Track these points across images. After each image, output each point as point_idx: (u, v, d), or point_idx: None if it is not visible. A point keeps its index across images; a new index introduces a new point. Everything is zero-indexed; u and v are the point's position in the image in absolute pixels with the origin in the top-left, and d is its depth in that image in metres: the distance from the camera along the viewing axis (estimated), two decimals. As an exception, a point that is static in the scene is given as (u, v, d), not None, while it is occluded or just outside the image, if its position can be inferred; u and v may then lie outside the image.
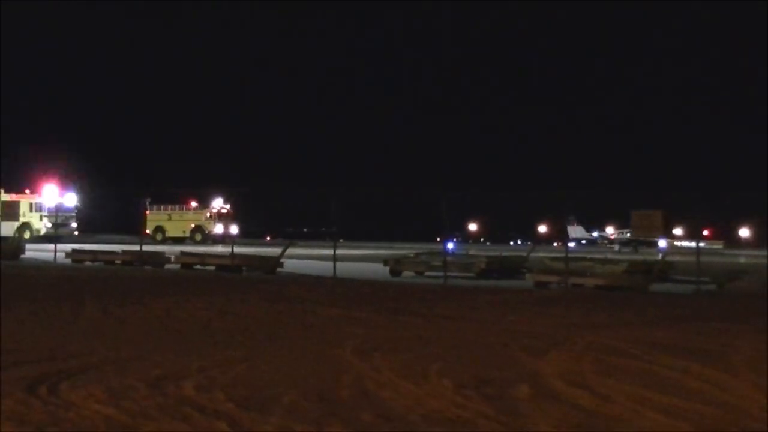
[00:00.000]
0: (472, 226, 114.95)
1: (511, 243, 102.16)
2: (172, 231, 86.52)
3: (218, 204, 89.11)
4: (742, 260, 62.04)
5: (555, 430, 10.61)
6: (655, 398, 12.56)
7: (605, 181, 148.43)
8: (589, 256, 47.24)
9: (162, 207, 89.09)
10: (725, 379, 14.24)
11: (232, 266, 43.75)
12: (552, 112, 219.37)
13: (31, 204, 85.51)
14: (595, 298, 30.38)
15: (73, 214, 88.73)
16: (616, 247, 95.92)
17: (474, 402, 12.19)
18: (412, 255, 46.31)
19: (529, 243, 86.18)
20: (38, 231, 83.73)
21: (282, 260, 43.65)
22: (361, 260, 52.01)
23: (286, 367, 14.82)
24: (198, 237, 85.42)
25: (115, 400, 11.87)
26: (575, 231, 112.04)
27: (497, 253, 53.15)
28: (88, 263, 48.44)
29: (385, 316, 23.21)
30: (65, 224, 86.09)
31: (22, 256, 52.56)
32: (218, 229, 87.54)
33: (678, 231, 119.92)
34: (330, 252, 42.60)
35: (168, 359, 15.32)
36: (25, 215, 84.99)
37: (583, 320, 22.80)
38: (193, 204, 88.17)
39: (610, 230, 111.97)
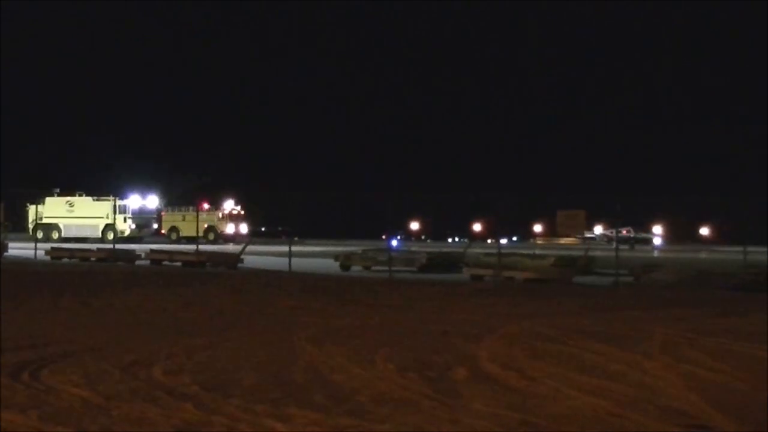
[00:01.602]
0: (414, 225, 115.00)
1: (449, 240, 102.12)
2: (186, 231, 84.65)
3: (229, 206, 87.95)
4: (656, 254, 62.44)
5: (489, 409, 10.63)
6: (578, 379, 12.63)
7: (533, 183, 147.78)
8: (519, 252, 47.38)
9: (176, 208, 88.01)
10: (641, 361, 14.33)
11: (197, 262, 43.54)
12: (486, 116, 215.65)
13: (115, 206, 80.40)
14: (525, 289, 30.50)
15: (154, 215, 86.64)
16: (614, 244, 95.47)
17: (416, 384, 12.21)
18: (360, 251, 46.25)
19: (465, 240, 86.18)
20: (122, 232, 79.72)
21: (242, 256, 43.47)
22: (314, 256, 51.90)
23: (247, 353, 14.79)
24: (211, 236, 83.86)
25: (91, 383, 11.83)
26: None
27: (437, 250, 53.13)
28: (65, 260, 48.03)
29: (336, 307, 23.20)
30: (147, 225, 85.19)
31: (5, 254, 52.04)
32: (230, 229, 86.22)
33: (599, 229, 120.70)
34: (286, 249, 42.56)
35: (139, 346, 15.26)
36: (109, 217, 79.90)
37: (514, 309, 22.88)
38: (206, 206, 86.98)
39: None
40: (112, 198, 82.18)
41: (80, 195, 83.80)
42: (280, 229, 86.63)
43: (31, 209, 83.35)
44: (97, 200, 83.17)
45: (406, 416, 10.22)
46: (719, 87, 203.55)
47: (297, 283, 31.63)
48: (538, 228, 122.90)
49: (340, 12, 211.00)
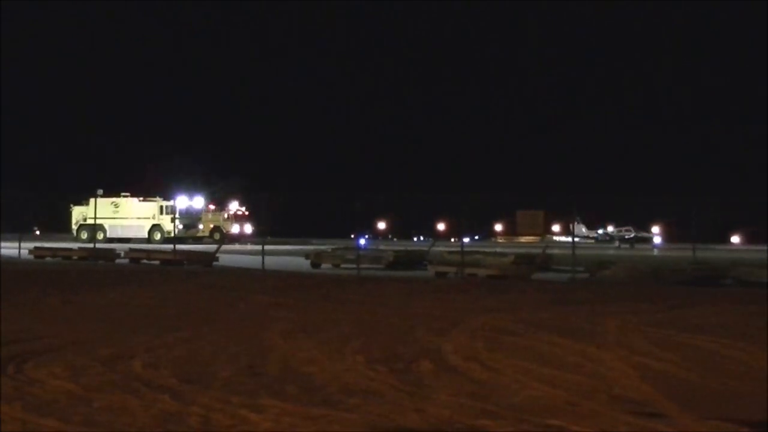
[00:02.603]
0: (381, 225, 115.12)
1: (414, 239, 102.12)
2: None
3: (235, 206, 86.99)
4: (611, 252, 62.71)
5: (452, 399, 10.67)
6: (537, 370, 12.68)
7: (494, 184, 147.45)
8: (481, 250, 47.48)
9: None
10: (596, 353, 14.40)
11: (174, 260, 43.40)
12: (486, 116, 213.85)
13: (162, 207, 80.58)
14: (487, 285, 30.55)
15: (201, 216, 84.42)
16: (617, 243, 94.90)
17: (384, 375, 12.24)
18: (329, 250, 46.24)
19: (429, 239, 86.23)
20: (169, 233, 77.65)
21: (218, 255, 43.38)
22: (285, 255, 51.82)
23: (222, 347, 14.77)
24: (216, 236, 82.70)
25: (74, 376, 11.80)
26: (579, 229, 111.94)
27: (403, 248, 53.16)
28: (48, 259, 47.76)
29: (307, 303, 23.18)
30: (194, 226, 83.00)
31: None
32: (235, 229, 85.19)
33: (556, 227, 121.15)
34: (259, 248, 42.48)
35: (119, 341, 15.22)
36: (156, 217, 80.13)
37: (476, 304, 22.92)
38: (212, 206, 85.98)
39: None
40: (158, 199, 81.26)
41: (125, 196, 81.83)
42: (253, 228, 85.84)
43: (75, 210, 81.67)
44: (144, 201, 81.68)
45: (374, 406, 10.24)
46: (719, 87, 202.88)
47: (270, 281, 31.59)
48: (498, 227, 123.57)
49: (340, 12, 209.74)
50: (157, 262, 43.82)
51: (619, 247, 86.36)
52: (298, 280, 32.09)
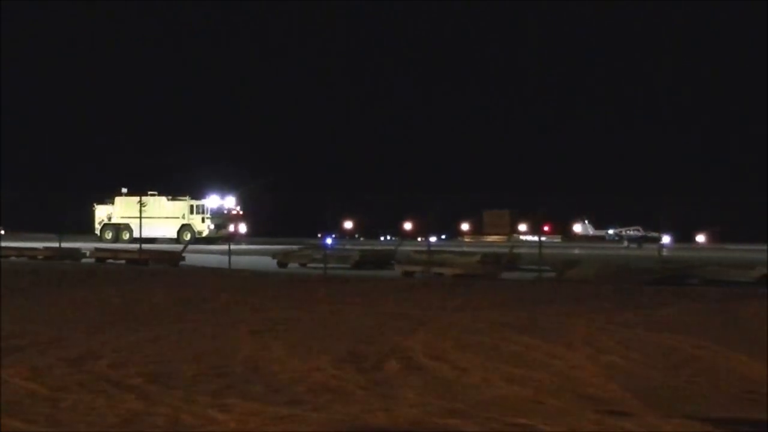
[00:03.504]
0: (348, 224, 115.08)
1: (381, 239, 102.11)
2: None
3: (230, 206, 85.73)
4: (577, 251, 62.92)
5: (420, 398, 10.69)
6: (504, 369, 12.72)
7: (460, 183, 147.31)
8: (447, 249, 47.55)
9: None
10: (563, 352, 14.46)
11: (140, 260, 43.22)
12: (486, 116, 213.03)
13: (192, 206, 78.45)
14: (454, 285, 30.58)
15: (231, 215, 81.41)
16: (625, 242, 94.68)
17: (351, 374, 12.25)
18: (296, 249, 46.18)
19: (396, 238, 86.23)
20: (200, 233, 76.81)
21: (184, 254, 43.24)
22: (252, 254, 51.71)
23: (188, 346, 14.74)
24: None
25: (39, 376, 11.76)
26: (586, 228, 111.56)
27: (370, 248, 53.17)
28: (13, 258, 47.42)
29: (274, 302, 23.14)
30: (224, 226, 79.71)
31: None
32: (230, 228, 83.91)
33: (523, 227, 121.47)
34: (225, 247, 42.41)
35: (85, 341, 15.17)
36: (185, 217, 77.74)
37: (443, 304, 22.95)
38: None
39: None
40: (188, 198, 79.36)
41: (153, 195, 78.72)
42: None
43: (99, 209, 79.43)
44: (173, 200, 79.60)
45: (342, 406, 10.25)
46: (719, 87, 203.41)
47: (236, 280, 31.51)
48: (465, 226, 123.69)
49: (340, 12, 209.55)
50: (123, 262, 43.62)
51: (627, 247, 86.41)
52: (265, 280, 32.02)
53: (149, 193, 78.54)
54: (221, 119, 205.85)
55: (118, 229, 77.33)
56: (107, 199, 79.26)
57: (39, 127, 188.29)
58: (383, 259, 42.87)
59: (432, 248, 39.65)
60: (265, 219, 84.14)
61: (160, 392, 10.81)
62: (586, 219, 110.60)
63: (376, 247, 54.63)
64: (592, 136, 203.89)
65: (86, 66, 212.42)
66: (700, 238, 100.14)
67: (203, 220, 77.13)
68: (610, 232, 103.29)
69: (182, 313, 20.33)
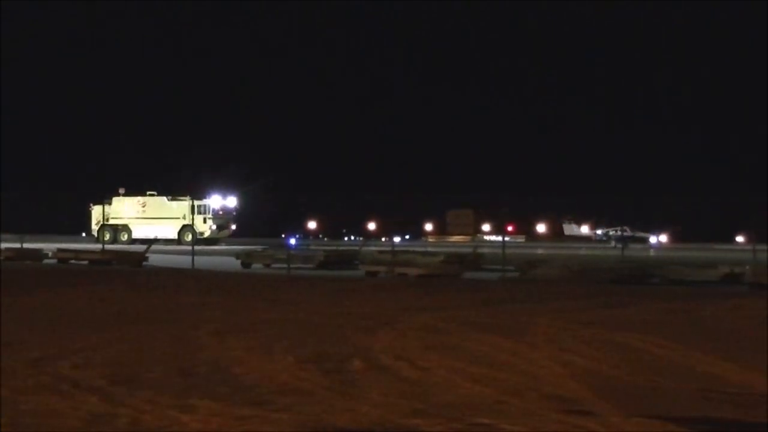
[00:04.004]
0: (312, 224, 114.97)
1: (345, 239, 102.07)
2: None
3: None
4: (540, 251, 63.13)
5: (384, 398, 10.69)
6: (467, 369, 12.75)
7: (422, 184, 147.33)
8: (411, 249, 47.62)
9: None
10: (526, 351, 14.51)
11: (103, 260, 43.02)
12: (487, 116, 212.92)
13: (194, 206, 75.98)
14: (418, 284, 30.63)
15: (234, 216, 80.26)
16: (612, 243, 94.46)
17: (315, 375, 12.24)
18: (260, 250, 46.11)
19: (360, 239, 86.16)
20: (202, 233, 74.64)
21: (147, 255, 43.07)
22: (215, 255, 51.60)
23: (152, 347, 14.69)
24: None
25: (0, 378, 11.65)
26: (571, 229, 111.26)
27: (334, 248, 53.17)
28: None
29: (237, 302, 23.09)
30: (226, 226, 79.10)
31: None
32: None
33: (486, 227, 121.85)
34: (189, 247, 42.28)
35: (47, 342, 15.06)
36: (187, 217, 75.11)
37: (407, 304, 22.97)
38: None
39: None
40: (189, 198, 77.32)
41: (152, 194, 77.65)
42: None
43: (96, 210, 76.39)
44: (173, 200, 77.53)
45: (305, 406, 10.24)
46: (719, 87, 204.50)
47: (200, 280, 31.43)
48: (429, 226, 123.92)
49: (340, 12, 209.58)
50: (85, 263, 43.41)
51: (614, 247, 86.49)
52: (229, 280, 31.96)
53: (148, 193, 77.53)
54: (220, 119, 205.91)
55: (116, 230, 75.63)
56: (104, 199, 76.60)
57: (35, 126, 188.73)
58: (347, 260, 42.90)
59: (396, 248, 39.69)
60: (252, 219, 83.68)
61: (123, 393, 10.76)
62: (569, 219, 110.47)
63: (340, 248, 54.56)
64: (588, 136, 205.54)
65: (84, 65, 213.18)
66: (663, 238, 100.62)
67: (205, 221, 75.62)
68: (598, 232, 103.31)
69: (146, 313, 20.25)
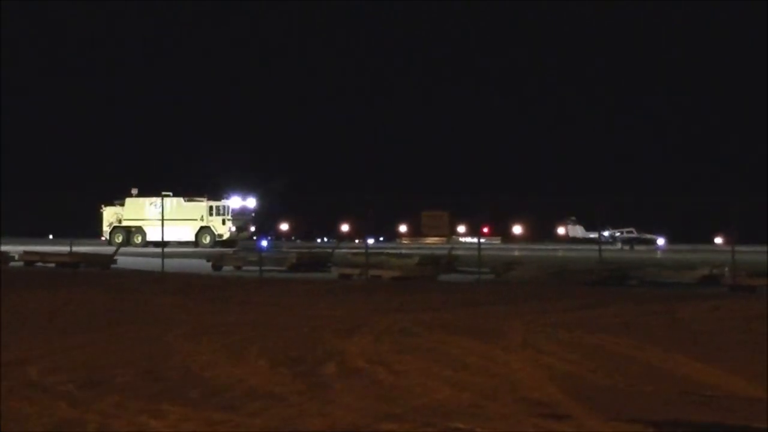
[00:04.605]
0: (284, 226, 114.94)
1: (318, 240, 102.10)
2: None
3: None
4: (516, 253, 63.27)
5: (357, 402, 10.70)
6: (442, 372, 12.77)
7: (398, 184, 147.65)
8: (385, 251, 47.61)
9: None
10: (502, 354, 14.54)
11: (71, 263, 42.80)
12: (486, 117, 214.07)
13: (211, 207, 74.55)
14: (392, 287, 30.64)
15: (252, 217, 79.44)
16: (619, 245, 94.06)
17: (287, 379, 12.23)
18: (231, 251, 46.02)
19: (333, 240, 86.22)
20: (221, 236, 73.55)
21: (116, 257, 42.89)
22: (186, 257, 51.45)
23: (122, 351, 14.65)
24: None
25: (-35, 384, 11.59)
26: (575, 230, 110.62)
27: (306, 249, 53.10)
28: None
29: (209, 305, 23.06)
30: (245, 228, 77.80)
31: None
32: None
33: (462, 228, 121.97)
34: (158, 249, 42.14)
35: (14, 346, 14.99)
36: (204, 219, 73.89)
37: (381, 306, 22.99)
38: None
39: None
40: (206, 198, 75.75)
41: (167, 195, 73.94)
42: None
43: (107, 211, 75.72)
44: (190, 201, 75.64)
45: (278, 410, 10.23)
46: (719, 87, 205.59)
47: (170, 283, 31.33)
48: (403, 228, 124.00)
49: (340, 12, 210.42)
50: (52, 265, 43.19)
51: (621, 249, 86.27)
52: (199, 283, 31.87)
53: (163, 193, 74.56)
54: (219, 119, 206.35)
55: (129, 232, 74.26)
56: (116, 200, 76.08)
57: (41, 124, 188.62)
58: (320, 262, 42.84)
59: (369, 250, 39.63)
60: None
61: (92, 398, 10.72)
62: (573, 220, 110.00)
63: (312, 249, 54.50)
64: (588, 136, 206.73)
65: (95, 63, 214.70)
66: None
67: (224, 222, 74.21)
68: (606, 234, 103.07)
69: (114, 317, 20.19)
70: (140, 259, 47.41)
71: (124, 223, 74.76)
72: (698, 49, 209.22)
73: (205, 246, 69.85)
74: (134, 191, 76.38)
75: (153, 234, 72.46)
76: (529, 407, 10.53)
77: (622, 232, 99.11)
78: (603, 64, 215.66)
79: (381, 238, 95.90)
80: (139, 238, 73.95)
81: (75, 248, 44.63)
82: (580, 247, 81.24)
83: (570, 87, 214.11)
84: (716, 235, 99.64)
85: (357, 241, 73.69)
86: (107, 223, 76.05)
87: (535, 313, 21.17)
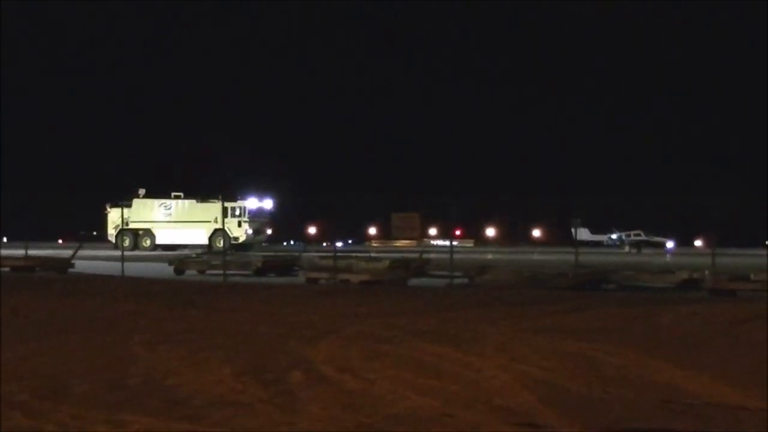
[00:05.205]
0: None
1: (284, 243, 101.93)
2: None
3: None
4: (490, 256, 63.39)
5: (325, 411, 10.68)
6: (414, 380, 12.76)
7: (398, 184, 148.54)
8: (354, 254, 47.62)
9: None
10: (475, 361, 14.54)
11: (26, 267, 42.57)
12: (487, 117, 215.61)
13: (226, 208, 71.69)
14: (361, 291, 30.64)
15: (269, 219, 77.82)
16: (626, 248, 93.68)
17: (252, 387, 12.20)
18: (194, 255, 45.90)
19: (301, 243, 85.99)
20: (237, 239, 72.03)
21: (73, 261, 42.67)
22: (147, 260, 51.27)
23: (80, 359, 14.57)
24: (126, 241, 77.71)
25: None
26: (581, 233, 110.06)
27: (272, 253, 53.02)
28: None
29: (171, 311, 22.98)
30: (262, 231, 76.59)
31: None
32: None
33: (433, 231, 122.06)
34: (118, 253, 41.97)
35: (-34, 354, 14.89)
36: (219, 221, 70.82)
37: (350, 311, 22.96)
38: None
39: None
40: (220, 199, 72.25)
41: (177, 196, 74.12)
42: (94, 233, 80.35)
43: (113, 213, 73.04)
44: (203, 202, 73.88)
45: (242, 420, 10.21)
46: (719, 87, 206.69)
47: (131, 288, 31.21)
48: (373, 230, 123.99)
49: (340, 12, 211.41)
50: (7, 269, 42.93)
51: (628, 252, 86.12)
52: (161, 288, 31.75)
53: (173, 194, 74.34)
54: (219, 119, 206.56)
55: (137, 235, 72.63)
56: (122, 201, 73.52)
57: (41, 124, 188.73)
58: (287, 266, 42.78)
59: (338, 254, 39.62)
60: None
61: (49, 409, 10.67)
62: (578, 222, 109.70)
63: (279, 253, 54.38)
64: (587, 136, 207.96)
65: (95, 63, 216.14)
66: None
67: (240, 224, 72.77)
68: (613, 236, 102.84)
69: (73, 323, 20.09)
70: (99, 263, 47.20)
71: (131, 226, 72.91)
72: (698, 49, 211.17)
73: (219, 250, 66.84)
74: (141, 191, 74.85)
75: (163, 237, 71.90)
76: (503, 416, 10.54)
77: (629, 235, 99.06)
78: (603, 64, 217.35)
79: (350, 241, 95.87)
80: (148, 242, 72.59)
81: (31, 252, 44.38)
82: (555, 250, 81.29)
83: (570, 87, 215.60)
84: (696, 238, 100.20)
85: (325, 244, 73.49)
86: (113, 226, 73.79)
87: (510, 319, 21.19)
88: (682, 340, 17.55)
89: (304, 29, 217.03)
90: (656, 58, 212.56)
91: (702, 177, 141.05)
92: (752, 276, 31.65)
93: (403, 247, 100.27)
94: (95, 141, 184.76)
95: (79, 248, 46.04)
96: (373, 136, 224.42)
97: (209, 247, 69.73)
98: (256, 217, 75.56)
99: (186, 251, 60.67)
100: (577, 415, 10.58)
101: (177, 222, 71.48)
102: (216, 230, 71.96)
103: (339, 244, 51.89)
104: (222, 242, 69.96)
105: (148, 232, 73.04)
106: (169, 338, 17.18)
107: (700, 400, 11.57)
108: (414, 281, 35.85)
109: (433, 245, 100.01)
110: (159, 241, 72.07)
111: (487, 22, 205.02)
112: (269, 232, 78.20)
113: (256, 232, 74.98)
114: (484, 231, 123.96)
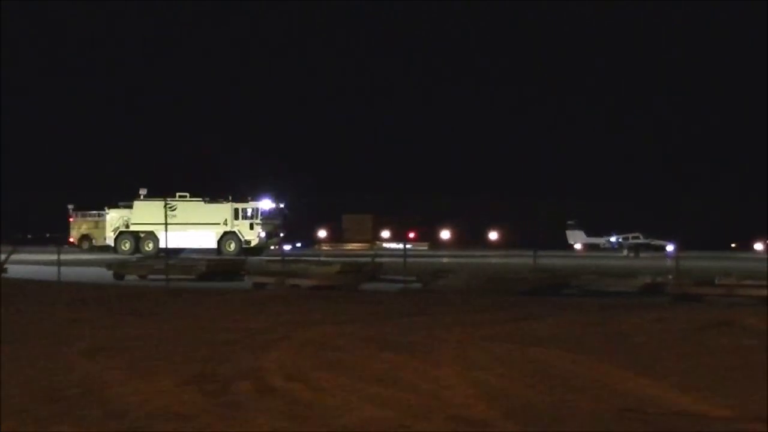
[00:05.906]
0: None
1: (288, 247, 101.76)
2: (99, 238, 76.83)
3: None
4: (445, 260, 63.52)
5: (274, 423, 10.69)
6: (368, 390, 12.77)
7: (398, 184, 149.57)
8: (303, 258, 47.60)
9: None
10: (431, 369, 14.58)
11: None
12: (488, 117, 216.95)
13: (237, 210, 71.95)
14: (311, 297, 30.61)
15: (283, 221, 76.21)
16: (625, 251, 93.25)
17: (197, 398, 12.18)
18: (135, 259, 45.76)
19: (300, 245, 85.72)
20: (248, 242, 71.27)
21: (6, 266, 42.37)
22: (85, 265, 50.99)
23: (13, 368, 14.47)
24: (85, 245, 76.35)
25: None
26: (575, 236, 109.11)
27: (217, 257, 52.92)
28: None
29: (111, 318, 22.88)
30: (275, 233, 74.26)
31: None
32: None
33: (386, 233, 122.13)
34: (54, 257, 41.68)
35: None
36: (228, 223, 71.20)
37: (300, 318, 22.94)
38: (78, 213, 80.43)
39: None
40: (230, 200, 72.77)
41: (182, 197, 72.50)
42: (47, 236, 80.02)
43: (112, 215, 73.08)
44: (211, 203, 72.94)
45: (187, 432, 10.19)
46: (719, 87, 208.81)
47: (68, 293, 31.03)
48: (323, 233, 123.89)
49: (340, 12, 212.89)
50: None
51: (627, 256, 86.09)
52: (100, 293, 31.61)
53: (178, 195, 72.52)
54: (219, 119, 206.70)
55: (139, 238, 71.28)
56: (122, 202, 73.49)
57: (41, 124, 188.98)
58: (232, 270, 42.74)
59: (286, 257, 39.63)
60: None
61: (-19, 421, 10.61)
62: (573, 224, 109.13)
63: (224, 257, 54.26)
64: (587, 137, 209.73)
65: (95, 63, 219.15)
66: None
67: (252, 227, 71.62)
68: (611, 239, 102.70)
69: (6, 331, 19.95)
70: (33, 267, 46.87)
71: (132, 228, 72.02)
72: (698, 49, 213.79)
73: (229, 254, 66.95)
74: (143, 192, 73.48)
75: (168, 240, 70.08)
76: (460, 426, 10.59)
77: (627, 238, 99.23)
78: (603, 64, 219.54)
79: (298, 245, 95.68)
80: (150, 245, 70.85)
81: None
82: (519, 254, 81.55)
83: (570, 87, 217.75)
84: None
85: (273, 247, 73.17)
86: (112, 228, 73.40)
87: (466, 325, 21.24)
88: (645, 348, 17.66)
89: (304, 29, 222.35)
90: (656, 58, 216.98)
91: (702, 177, 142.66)
92: (717, 280, 31.95)
93: (355, 250, 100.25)
94: (95, 141, 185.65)
95: (12, 252, 45.71)
96: (373, 136, 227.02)
97: (218, 252, 68.84)
98: (269, 218, 74.25)
99: (193, 255, 59.74)
100: (535, 424, 10.65)
101: (183, 224, 68.04)
102: (226, 233, 71.25)
103: (287, 248, 51.82)
104: (232, 246, 69.85)
105: (151, 235, 70.97)
106: (108, 347, 17.11)
107: (661, 408, 11.68)
108: (366, 286, 35.89)
109: (385, 248, 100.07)
110: (163, 244, 68.65)
111: (487, 22, 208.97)
112: (282, 235, 76.30)
113: (269, 234, 73.60)
114: (438, 233, 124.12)
